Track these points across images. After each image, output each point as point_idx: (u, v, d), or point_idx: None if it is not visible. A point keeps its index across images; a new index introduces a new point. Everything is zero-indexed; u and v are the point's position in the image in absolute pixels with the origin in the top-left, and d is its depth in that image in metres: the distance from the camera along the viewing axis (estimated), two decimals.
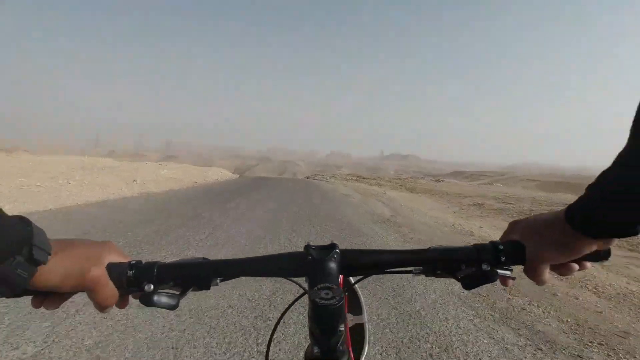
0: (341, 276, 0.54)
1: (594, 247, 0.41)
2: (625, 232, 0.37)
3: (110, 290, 0.42)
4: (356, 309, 0.73)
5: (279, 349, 1.97)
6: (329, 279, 0.43)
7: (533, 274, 0.45)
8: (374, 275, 0.52)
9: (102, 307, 0.42)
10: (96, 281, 0.41)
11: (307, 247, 0.46)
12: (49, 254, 0.37)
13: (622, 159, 0.37)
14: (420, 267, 0.48)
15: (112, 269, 0.43)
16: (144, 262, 0.45)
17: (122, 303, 0.46)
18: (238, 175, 25.69)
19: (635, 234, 0.36)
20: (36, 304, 0.42)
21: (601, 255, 0.43)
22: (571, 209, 0.41)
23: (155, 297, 0.42)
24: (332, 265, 0.44)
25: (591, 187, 0.39)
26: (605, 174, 0.38)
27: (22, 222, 0.36)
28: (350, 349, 0.63)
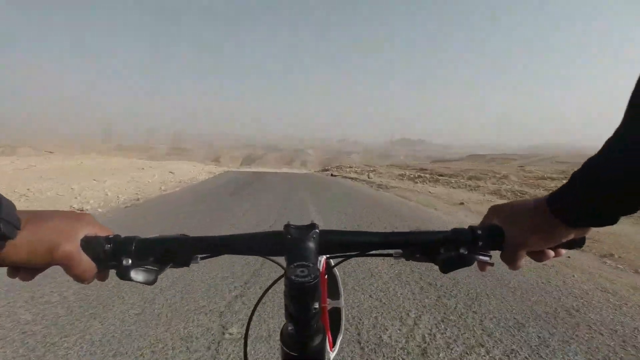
0: (324, 259, 0.64)
1: (572, 235, 0.41)
2: (605, 222, 0.37)
3: (85, 264, 0.40)
4: (334, 293, 0.74)
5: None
6: (307, 257, 0.43)
7: (510, 259, 0.44)
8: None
9: (79, 281, 0.41)
10: (68, 257, 0.39)
11: (287, 226, 0.46)
12: (18, 229, 0.36)
13: (610, 146, 0.35)
14: (400, 251, 0.48)
15: (88, 242, 0.41)
16: (122, 236, 0.45)
17: (101, 276, 0.44)
18: (219, 172, 16.00)
19: (613, 223, 0.36)
20: (11, 275, 0.40)
21: (576, 243, 0.43)
22: (554, 196, 0.40)
23: (133, 272, 0.42)
24: (311, 244, 0.45)
25: (575, 175, 0.38)
26: (590, 161, 0.37)
27: None
28: (328, 331, 0.68)
